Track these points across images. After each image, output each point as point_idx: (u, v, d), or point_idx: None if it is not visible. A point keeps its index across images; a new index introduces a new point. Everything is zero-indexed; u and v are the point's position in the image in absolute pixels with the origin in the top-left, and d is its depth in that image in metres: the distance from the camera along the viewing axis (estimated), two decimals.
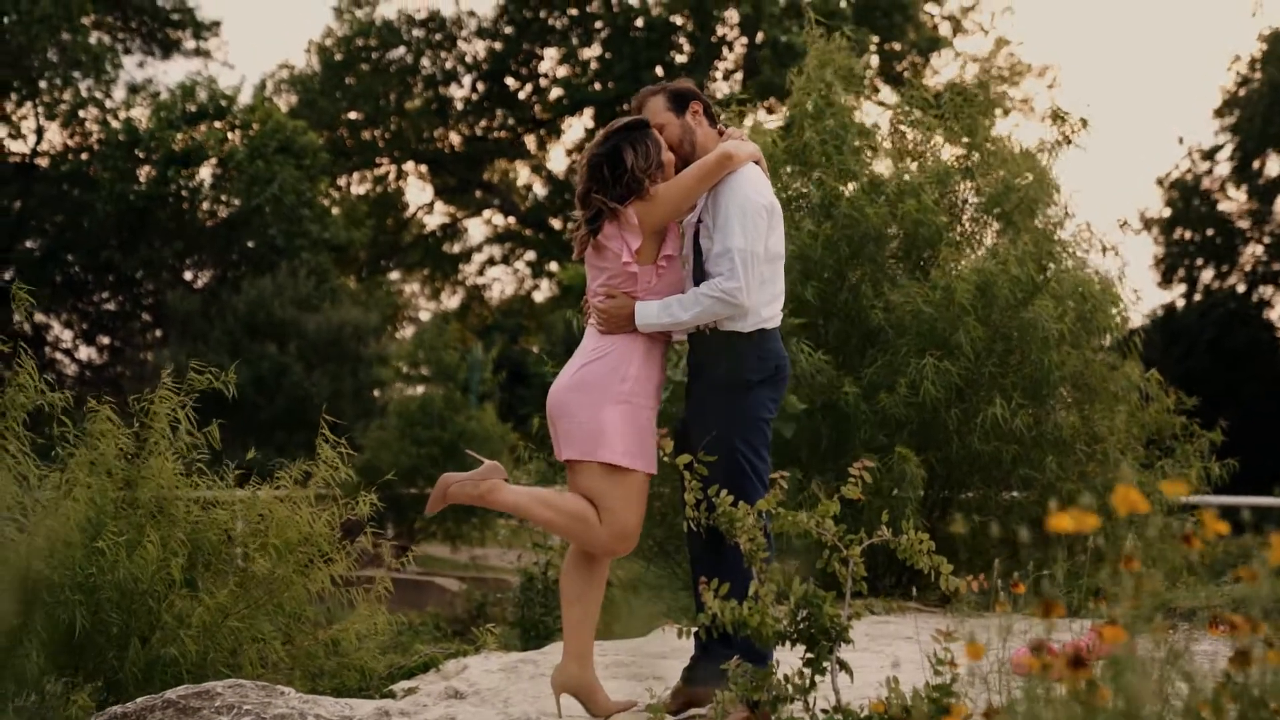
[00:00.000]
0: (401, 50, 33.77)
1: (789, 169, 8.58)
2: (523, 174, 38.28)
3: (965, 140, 8.85)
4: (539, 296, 37.61)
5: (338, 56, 33.36)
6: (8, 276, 26.54)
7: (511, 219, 37.43)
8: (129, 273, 27.34)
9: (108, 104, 27.55)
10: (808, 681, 3.85)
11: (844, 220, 8.21)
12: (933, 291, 8.02)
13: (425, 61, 34.02)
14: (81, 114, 27.29)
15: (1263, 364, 24.98)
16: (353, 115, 33.96)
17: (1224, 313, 26.35)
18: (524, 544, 10.34)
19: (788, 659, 4.12)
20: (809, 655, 3.91)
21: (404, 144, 35.01)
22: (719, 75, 32.11)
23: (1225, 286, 28.00)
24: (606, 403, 4.64)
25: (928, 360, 7.79)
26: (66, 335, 28.89)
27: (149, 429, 6.12)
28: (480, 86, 34.61)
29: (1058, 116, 8.85)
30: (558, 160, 37.19)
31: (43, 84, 27.26)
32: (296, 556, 6.10)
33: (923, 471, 7.71)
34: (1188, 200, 28.47)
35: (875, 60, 30.25)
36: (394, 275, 38.68)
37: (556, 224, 34.11)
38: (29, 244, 26.81)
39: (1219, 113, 28.07)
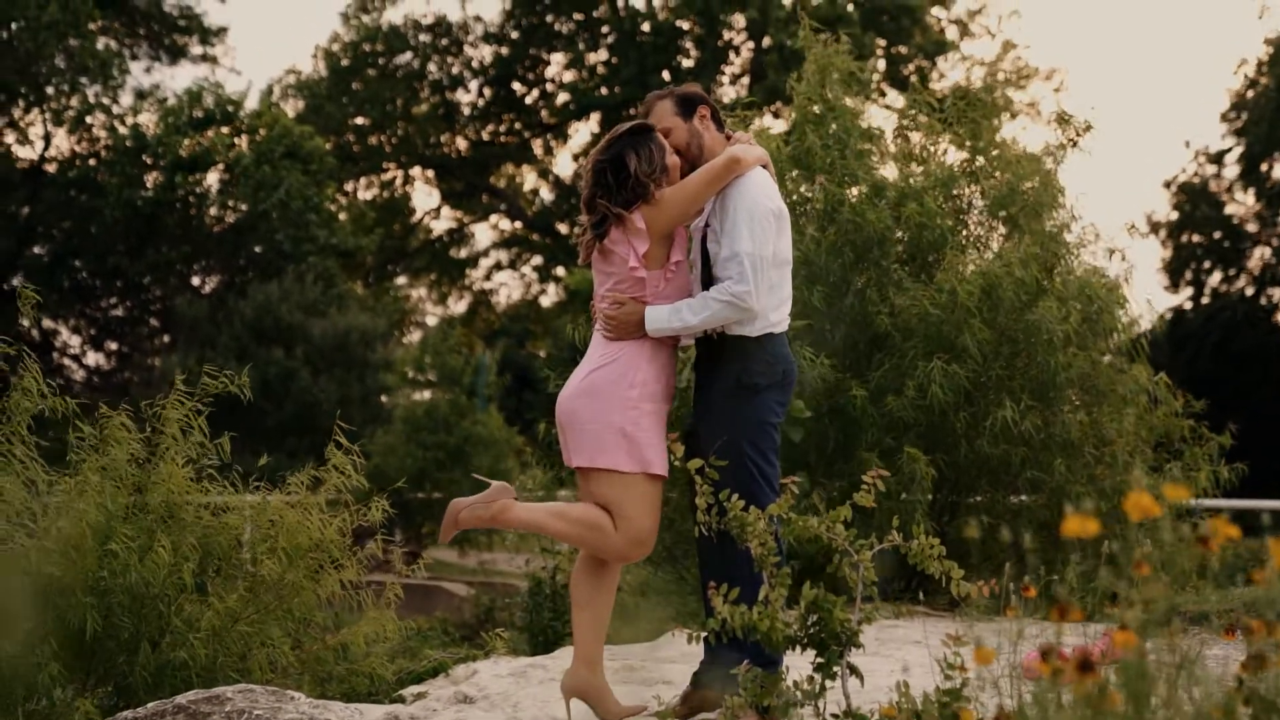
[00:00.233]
0: (408, 55, 33.86)
1: (794, 173, 8.58)
2: (529, 179, 38.36)
3: (970, 144, 8.85)
4: (546, 301, 37.67)
5: (344, 62, 33.44)
6: (16, 282, 26.60)
7: (518, 224, 37.50)
8: (136, 278, 27.40)
9: (115, 110, 27.62)
10: (818, 686, 3.85)
11: (847, 225, 8.21)
12: (938, 295, 8.01)
13: (432, 67, 34.10)
14: (89, 120, 27.35)
15: (1271, 367, 24.93)
16: (359, 120, 34.04)
17: (1232, 316, 26.32)
18: (532, 549, 10.33)
19: (797, 664, 4.12)
20: (819, 660, 3.90)
21: (411, 149, 35.09)
22: (725, 80, 32.13)
23: (1233, 290, 27.98)
24: (616, 409, 4.63)
25: (935, 363, 7.78)
26: (74, 341, 28.98)
27: (160, 434, 6.13)
28: (487, 91, 34.68)
29: (1062, 119, 8.85)
30: (564, 165, 37.27)
31: (50, 90, 27.34)
32: (307, 562, 6.10)
33: (932, 472, 7.70)
34: (1195, 204, 28.45)
35: (882, 64, 30.27)
36: (401, 280, 38.74)
37: (563, 229, 34.15)
38: (37, 250, 26.90)
39: (1226, 116, 28.06)
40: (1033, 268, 8.11)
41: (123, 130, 26.80)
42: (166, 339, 28.34)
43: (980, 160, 8.82)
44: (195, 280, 28.48)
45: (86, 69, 26.77)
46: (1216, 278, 28.42)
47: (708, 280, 4.78)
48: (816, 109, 8.75)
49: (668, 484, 5.05)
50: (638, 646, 6.65)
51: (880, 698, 4.41)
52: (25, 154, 28.10)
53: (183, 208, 26.90)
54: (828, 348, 8.22)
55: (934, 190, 8.48)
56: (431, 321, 37.57)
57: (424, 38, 33.86)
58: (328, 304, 24.52)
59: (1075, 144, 8.78)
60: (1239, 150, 27.81)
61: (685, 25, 32.11)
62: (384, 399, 24.80)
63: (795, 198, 8.53)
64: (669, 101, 4.92)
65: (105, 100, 27.55)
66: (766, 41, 30.37)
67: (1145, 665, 2.27)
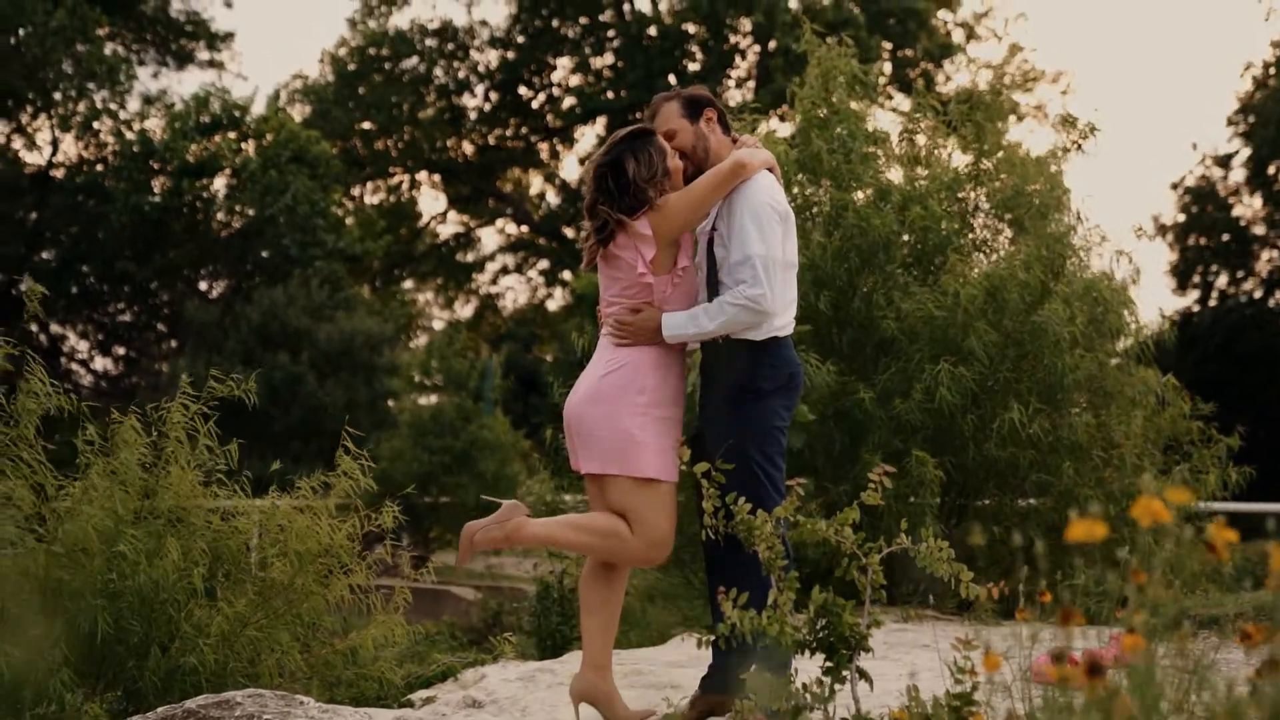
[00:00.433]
0: (415, 60, 33.88)
1: (799, 176, 8.58)
2: (536, 183, 38.40)
3: (975, 146, 8.85)
4: (552, 305, 37.69)
5: (351, 66, 33.47)
6: (24, 287, 26.63)
7: (525, 228, 37.53)
8: (144, 283, 27.44)
9: (122, 115, 27.66)
10: (827, 690, 3.84)
11: (853, 230, 8.21)
12: (942, 297, 8.01)
13: (438, 71, 34.13)
14: (96, 125, 27.40)
15: (1278, 369, 24.88)
16: (366, 125, 34.07)
17: (1239, 318, 26.28)
18: (540, 553, 10.34)
19: (806, 667, 4.11)
20: (828, 664, 3.90)
21: (417, 153, 35.13)
22: (731, 83, 32.14)
23: (1240, 292, 27.94)
24: (626, 415, 4.63)
25: (942, 366, 7.78)
26: (82, 346, 29.02)
27: (166, 438, 6.14)
28: (493, 96, 34.72)
29: (1067, 122, 8.84)
30: (571, 169, 37.29)
31: (58, 96, 27.38)
32: (316, 567, 6.11)
33: (940, 475, 7.70)
34: (1202, 206, 28.42)
35: (888, 68, 30.26)
36: (408, 284, 38.77)
37: (570, 233, 34.17)
38: (45, 255, 26.93)
39: (1232, 119, 28.03)
40: (1035, 270, 8.11)
41: (130, 136, 26.84)
42: (174, 344, 28.37)
43: (985, 163, 8.82)
44: (202, 285, 28.51)
45: (94, 74, 26.81)
46: (1224, 280, 28.39)
47: (713, 284, 4.78)
48: (821, 113, 8.75)
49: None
50: (646, 650, 6.66)
51: (889, 701, 4.40)
52: (33, 159, 28.18)
53: (190, 213, 26.93)
54: (834, 352, 8.22)
55: (939, 194, 8.48)
56: (438, 326, 37.59)
57: (430, 42, 33.89)
58: (334, 308, 24.53)
59: (1079, 146, 8.78)
60: (1246, 153, 27.77)
61: (691, 29, 32.11)
62: (390, 403, 24.79)
63: (800, 201, 8.53)
64: (675, 103, 4.92)
65: (112, 106, 27.60)
66: (772, 45, 30.36)
67: (1155, 669, 2.27)
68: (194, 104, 27.33)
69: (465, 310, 39.55)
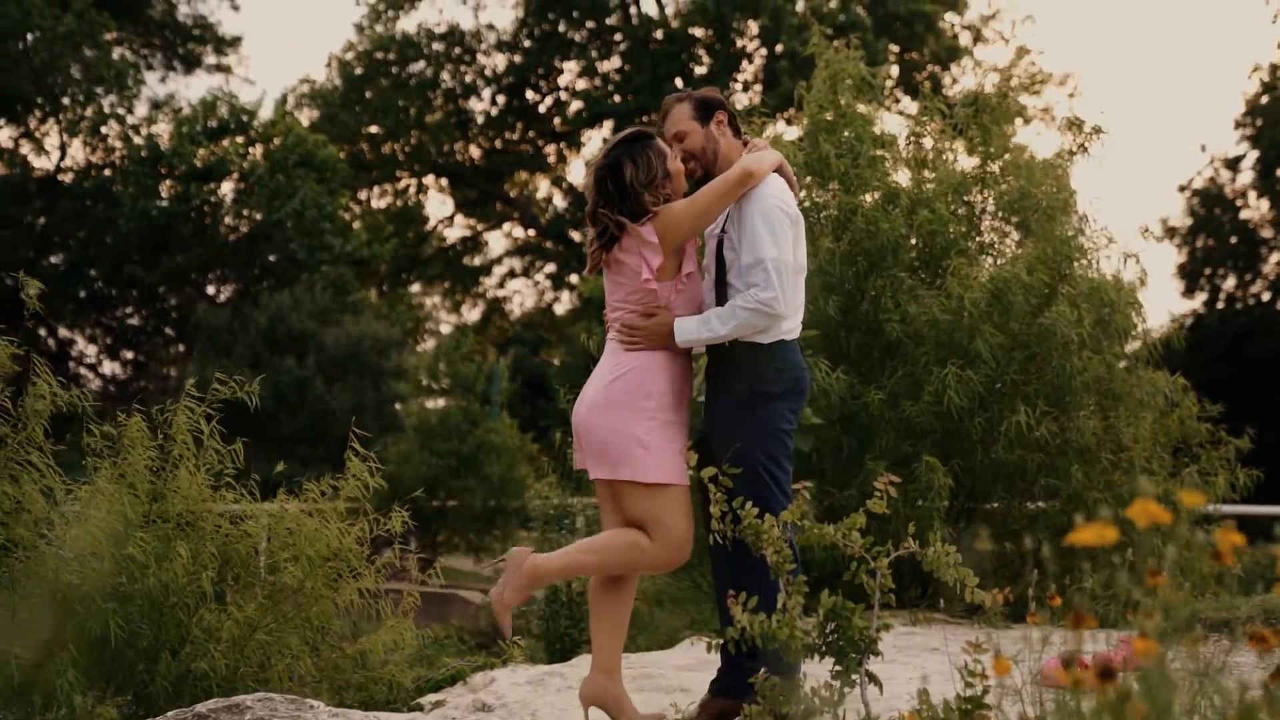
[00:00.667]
0: (421, 64, 33.90)
1: (807, 179, 8.58)
2: (543, 187, 38.41)
3: (982, 149, 8.85)
4: (560, 309, 37.70)
5: (358, 71, 33.50)
6: (32, 292, 26.60)
7: (532, 231, 37.56)
8: (152, 287, 27.49)
9: (130, 120, 27.71)
10: (836, 694, 3.84)
11: (861, 233, 8.21)
12: (948, 300, 8.01)
13: (445, 75, 34.16)
14: (104, 130, 27.45)
15: None
16: (373, 129, 34.11)
17: (1247, 321, 26.26)
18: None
19: (815, 671, 4.11)
20: (837, 668, 3.90)
21: (424, 157, 35.15)
22: (738, 87, 32.13)
23: (1248, 295, 27.91)
24: (634, 420, 4.62)
25: (949, 369, 7.77)
26: (90, 350, 29.08)
27: (173, 441, 6.16)
28: (500, 100, 34.73)
29: (1073, 124, 8.83)
30: (578, 173, 37.30)
31: (66, 100, 27.44)
32: (325, 571, 6.12)
33: (949, 482, 7.69)
34: (1210, 208, 28.39)
35: (895, 71, 30.25)
36: (415, 288, 38.81)
37: (577, 236, 34.18)
38: (53, 259, 26.98)
39: (1240, 122, 28.00)
40: (1039, 272, 8.11)
41: (138, 140, 26.89)
42: (182, 348, 28.42)
43: (992, 166, 8.81)
44: (210, 289, 28.56)
45: (102, 79, 26.87)
46: (1231, 283, 28.36)
47: (721, 287, 4.78)
48: (829, 116, 8.75)
49: None
50: (654, 654, 6.65)
51: (899, 705, 4.40)
52: (41, 164, 28.24)
53: (197, 217, 26.98)
54: (842, 356, 8.22)
55: (946, 196, 8.47)
56: (445, 329, 37.63)
57: (437, 46, 33.92)
58: (341, 312, 24.56)
59: (1085, 149, 8.77)
60: (1254, 155, 27.75)
61: (698, 33, 32.12)
62: (398, 407, 24.81)
63: (809, 205, 8.53)
64: (687, 105, 4.91)
65: (120, 110, 27.65)
66: (779, 49, 30.37)
67: (1167, 673, 2.27)
68: (201, 109, 27.38)
69: (472, 314, 39.60)
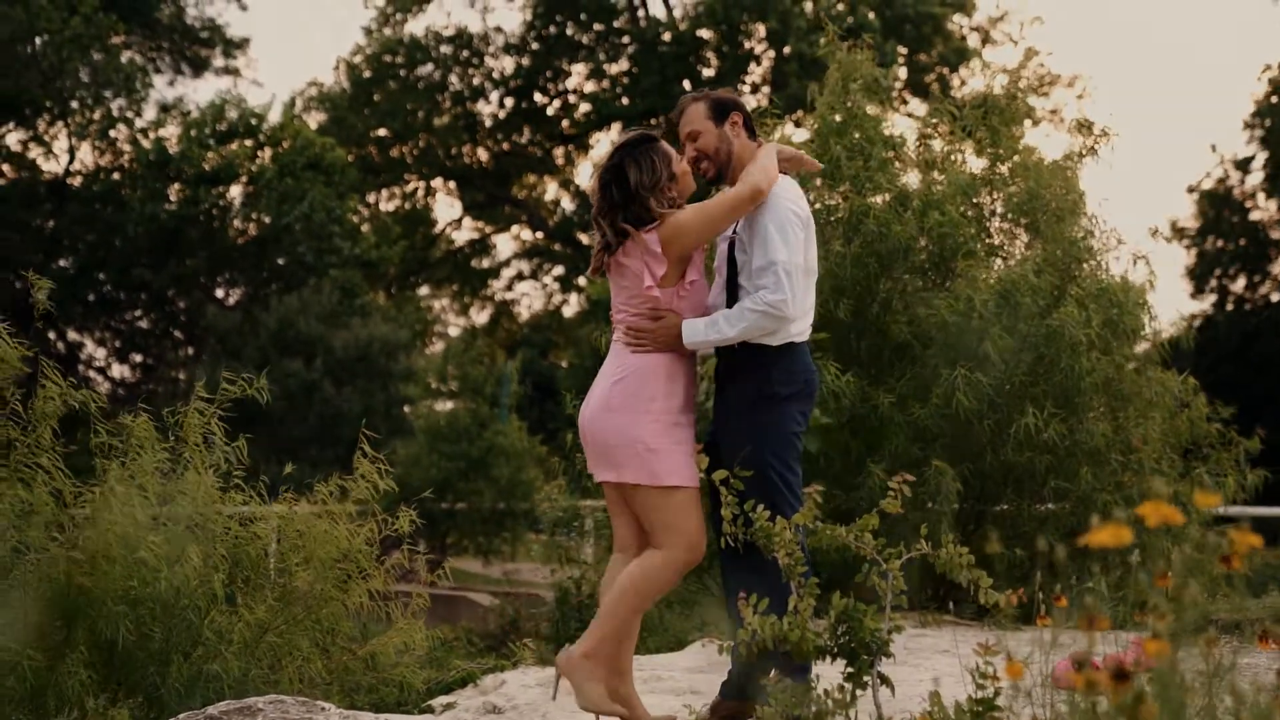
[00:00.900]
0: (429, 67, 33.92)
1: (817, 181, 8.58)
2: (550, 189, 38.43)
3: (991, 151, 8.84)
4: (568, 311, 37.70)
5: (366, 74, 33.53)
6: (42, 294, 26.66)
7: (540, 234, 37.56)
8: (161, 291, 27.54)
9: (138, 123, 27.76)
10: (848, 696, 3.84)
11: (872, 235, 8.20)
12: (956, 302, 8.01)
13: (453, 78, 34.18)
14: (112, 133, 27.50)
15: None
16: (381, 132, 34.14)
17: (1256, 322, 26.21)
18: (557, 559, 10.34)
19: (827, 673, 4.11)
20: (849, 670, 3.90)
21: (432, 160, 35.16)
22: (746, 89, 32.12)
23: (1257, 296, 27.86)
24: (640, 423, 4.61)
25: (958, 371, 7.77)
26: (100, 354, 29.13)
27: (184, 443, 6.17)
28: (508, 102, 34.73)
29: (1082, 126, 8.83)
30: (585, 175, 37.30)
31: (74, 104, 27.49)
32: (335, 572, 6.12)
33: (959, 485, 7.69)
34: (1219, 210, 28.34)
35: (904, 72, 30.21)
36: (423, 291, 38.84)
37: (585, 239, 34.18)
38: (62, 263, 27.04)
39: (1249, 122, 27.94)
40: (1048, 274, 8.10)
41: (146, 144, 26.94)
42: (191, 351, 28.47)
43: (1001, 168, 8.81)
44: (219, 293, 28.61)
45: (110, 82, 26.92)
46: (1241, 284, 28.31)
47: (732, 289, 4.78)
48: (838, 117, 8.74)
49: None
50: (665, 656, 6.65)
51: (910, 707, 4.40)
52: (50, 167, 28.30)
53: (206, 220, 27.03)
54: (853, 359, 8.21)
55: (955, 198, 8.47)
56: (454, 332, 37.66)
57: (445, 49, 33.94)
58: (350, 315, 24.60)
59: (1094, 151, 8.76)
60: (1264, 156, 27.69)
61: (706, 35, 32.11)
62: (406, 410, 24.84)
63: (819, 207, 8.52)
64: (702, 104, 4.91)
65: (129, 114, 27.71)
66: (787, 50, 30.35)
67: (1181, 674, 2.27)
68: (210, 112, 27.43)
69: (481, 317, 39.62)
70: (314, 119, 32.85)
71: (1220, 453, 8.57)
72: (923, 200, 8.40)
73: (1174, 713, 2.27)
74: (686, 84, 31.20)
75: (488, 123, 35.19)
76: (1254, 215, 28.32)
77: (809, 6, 30.16)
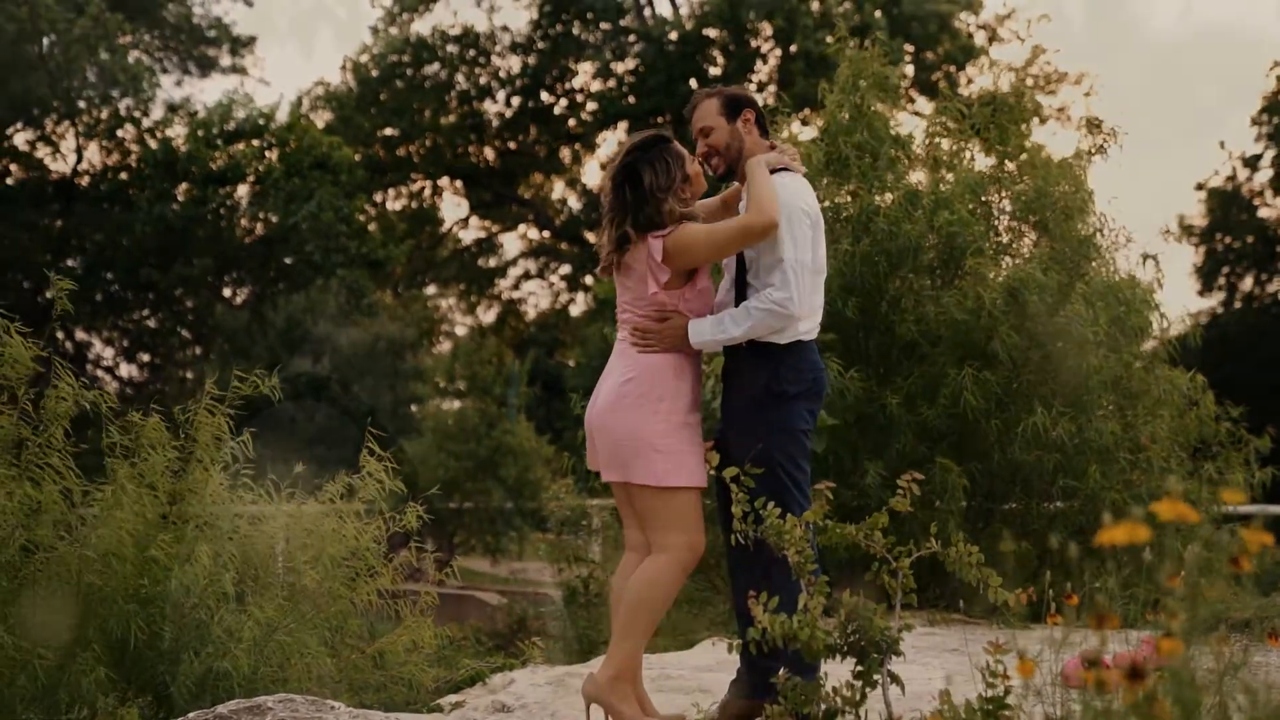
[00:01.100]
0: (436, 66, 33.93)
1: (824, 180, 8.57)
2: (557, 188, 38.43)
3: (999, 148, 8.83)
4: (575, 310, 37.71)
5: (373, 73, 33.54)
6: (50, 294, 26.75)
7: (546, 233, 37.58)
8: (168, 290, 27.57)
9: (146, 123, 27.79)
10: (858, 695, 3.84)
11: (881, 234, 8.20)
12: (964, 299, 8.00)
13: (460, 77, 34.16)
14: (120, 133, 27.53)
15: None
16: (388, 131, 34.14)
17: (1265, 320, 26.16)
18: (565, 558, 10.34)
19: (836, 671, 4.11)
20: (859, 668, 3.90)
21: (439, 160, 35.17)
22: (753, 87, 32.11)
23: (1265, 294, 27.81)
24: (646, 423, 4.62)
25: (966, 371, 7.76)
26: (108, 353, 29.18)
27: (194, 442, 6.17)
28: (515, 101, 34.73)
29: (1092, 125, 8.81)
30: (592, 174, 37.31)
31: (82, 103, 27.52)
32: (343, 570, 6.13)
33: (965, 481, 7.68)
34: (1227, 207, 28.28)
35: (910, 70, 30.20)
36: (430, 290, 38.86)
37: (591, 238, 34.16)
38: (70, 262, 27.09)
39: (1257, 120, 27.88)
40: (1054, 271, 8.09)
41: (153, 144, 26.98)
42: (199, 350, 28.51)
43: (1009, 165, 8.79)
44: (226, 292, 28.64)
45: (117, 82, 26.94)
46: (1249, 282, 28.26)
47: (741, 285, 4.78)
48: (845, 116, 8.73)
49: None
50: (673, 655, 6.65)
51: (920, 706, 4.40)
52: (58, 167, 28.33)
53: (214, 220, 27.06)
54: (861, 357, 8.21)
55: (963, 196, 8.46)
56: (460, 331, 37.68)
57: (452, 49, 33.94)
58: (357, 314, 24.63)
59: (1103, 150, 8.74)
60: (1272, 154, 27.63)
61: (712, 34, 32.09)
62: (414, 409, 24.87)
63: (827, 204, 8.51)
64: (715, 100, 4.92)
65: (136, 114, 27.74)
66: (793, 49, 30.33)
67: (1194, 673, 2.26)
68: (218, 111, 27.46)
69: (487, 316, 39.64)
70: (321, 118, 32.86)
71: (1230, 451, 8.55)
72: (932, 199, 8.39)
73: (1188, 711, 2.27)
74: (693, 83, 31.18)
75: (494, 122, 35.19)
76: (1262, 213, 28.26)
77: (815, 5, 30.13)
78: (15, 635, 5.45)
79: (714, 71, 31.86)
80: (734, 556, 4.73)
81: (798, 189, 4.75)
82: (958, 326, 7.99)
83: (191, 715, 4.92)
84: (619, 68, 33.66)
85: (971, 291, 7.99)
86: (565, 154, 36.80)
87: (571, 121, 35.25)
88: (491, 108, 35.04)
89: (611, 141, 35.29)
